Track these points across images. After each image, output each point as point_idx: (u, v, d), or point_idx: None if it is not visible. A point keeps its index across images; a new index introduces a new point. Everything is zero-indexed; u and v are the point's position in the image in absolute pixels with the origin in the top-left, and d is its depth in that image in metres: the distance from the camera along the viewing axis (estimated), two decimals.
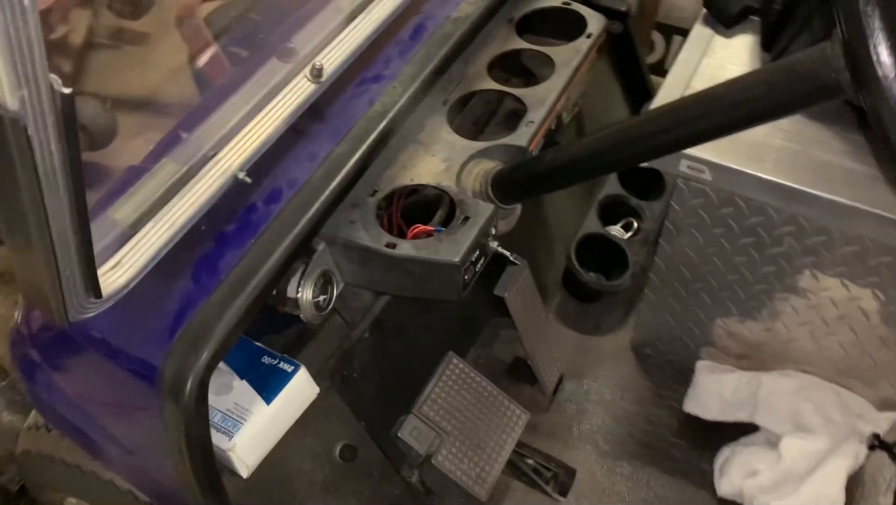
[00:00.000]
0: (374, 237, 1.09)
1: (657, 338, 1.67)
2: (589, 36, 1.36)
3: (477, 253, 1.10)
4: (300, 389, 1.08)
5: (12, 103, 0.56)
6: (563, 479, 1.55)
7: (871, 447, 1.26)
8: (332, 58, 1.14)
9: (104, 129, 2.41)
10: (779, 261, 1.35)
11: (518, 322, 1.51)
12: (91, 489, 1.30)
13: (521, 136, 1.21)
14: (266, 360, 1.10)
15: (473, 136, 1.27)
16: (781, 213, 1.28)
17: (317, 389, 1.11)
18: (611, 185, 1.84)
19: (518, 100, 1.28)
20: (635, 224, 1.84)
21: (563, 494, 1.53)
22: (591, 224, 1.79)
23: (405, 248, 1.07)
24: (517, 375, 1.66)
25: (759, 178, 1.22)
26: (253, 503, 1.15)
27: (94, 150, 2.41)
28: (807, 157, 1.24)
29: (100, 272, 0.91)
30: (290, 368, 1.08)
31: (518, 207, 1.27)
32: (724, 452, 1.51)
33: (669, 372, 1.69)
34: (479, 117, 1.37)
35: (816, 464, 1.36)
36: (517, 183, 1.14)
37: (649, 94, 1.92)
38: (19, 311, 1.19)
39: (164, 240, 0.96)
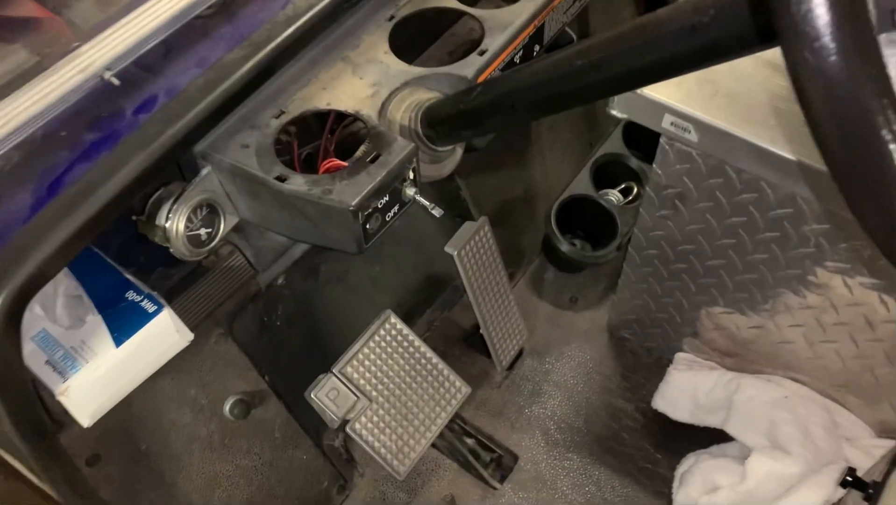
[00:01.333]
0: (265, 166, 0.91)
1: (636, 321, 1.47)
2: None
3: (386, 199, 0.92)
4: (162, 332, 0.93)
5: None
6: (504, 464, 1.38)
7: (843, 484, 1.06)
8: None
9: None
10: (772, 248, 1.14)
11: (469, 285, 1.33)
12: None
13: (469, 66, 1.01)
14: (131, 295, 0.95)
15: (419, 61, 1.08)
16: (779, 191, 1.06)
17: (189, 336, 0.95)
18: (612, 143, 1.63)
19: (479, 22, 1.08)
20: (635, 189, 1.63)
21: (501, 480, 1.37)
22: (581, 185, 1.58)
23: (296, 182, 0.89)
24: (473, 343, 1.49)
25: (755, 146, 1.00)
26: (112, 454, 1.01)
27: None
28: None
29: None
30: (152, 308, 0.93)
31: (457, 152, 1.08)
32: (689, 460, 1.32)
33: (645, 361, 1.49)
34: (428, 40, 1.17)
35: (784, 491, 1.16)
36: (444, 120, 0.95)
37: None
38: None
39: None
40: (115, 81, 0.87)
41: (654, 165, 1.17)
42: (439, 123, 0.96)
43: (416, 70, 1.02)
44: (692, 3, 0.62)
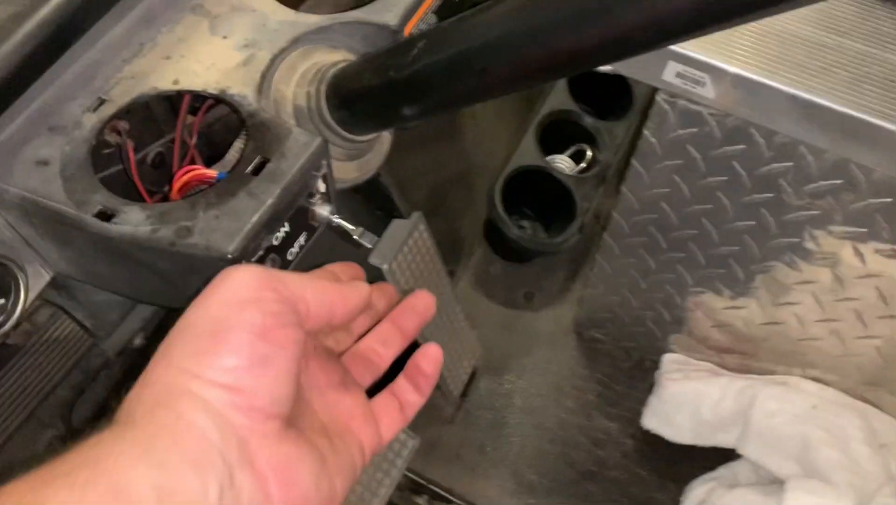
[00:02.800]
0: (77, 195, 0.55)
1: (611, 318, 1.18)
2: None
3: (286, 230, 0.58)
4: None
5: None
6: None
7: None
8: None
9: None
10: (806, 230, 0.86)
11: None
12: None
13: (389, 8, 0.67)
14: None
15: (309, 6, 0.73)
16: (824, 158, 0.78)
17: None
18: (557, 97, 1.32)
19: None
20: (588, 153, 1.33)
21: None
22: (527, 152, 1.27)
23: (132, 219, 0.54)
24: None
25: (801, 100, 0.72)
26: None
27: None
28: (881, 63, 0.73)
29: None
30: None
31: (384, 138, 0.75)
32: (696, 491, 1.06)
33: (624, 365, 1.22)
34: None
35: None
36: (365, 94, 0.61)
37: None
38: None
39: None
40: None
41: (645, 130, 0.86)
42: (357, 100, 0.62)
43: (310, 19, 0.67)
44: None
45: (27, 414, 0.72)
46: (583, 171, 1.31)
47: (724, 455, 1.10)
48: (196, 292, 0.54)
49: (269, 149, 0.57)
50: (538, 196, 1.29)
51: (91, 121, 0.59)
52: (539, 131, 1.29)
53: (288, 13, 0.67)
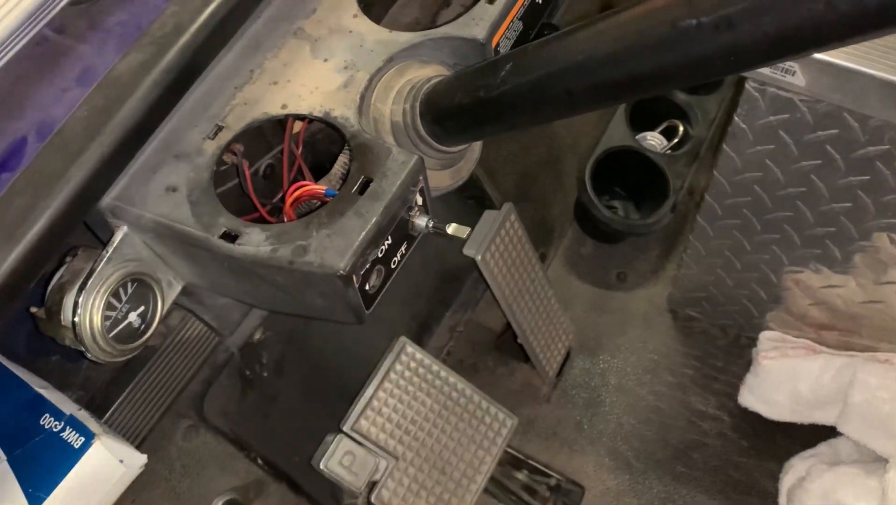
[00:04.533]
0: (204, 219, 0.62)
1: (706, 296, 1.19)
2: None
3: (388, 242, 0.63)
4: (99, 470, 0.65)
5: None
6: (567, 500, 1.13)
7: None
8: None
9: None
10: None
11: (499, 289, 1.05)
12: None
13: (476, 21, 0.70)
14: (48, 421, 0.67)
15: (403, 24, 0.76)
16: None
17: (140, 459, 0.68)
18: None
19: None
20: (680, 129, 1.32)
21: None
22: (617, 132, 1.27)
23: (254, 240, 0.60)
24: (508, 348, 1.21)
25: (893, 84, 0.70)
26: None
27: None
28: None
29: None
30: (78, 441, 0.65)
31: (475, 146, 0.78)
32: (797, 468, 1.07)
33: (720, 343, 1.22)
34: None
35: None
36: (456, 112, 0.65)
37: None
38: None
39: None
40: None
41: (735, 116, 0.86)
42: (449, 117, 0.66)
43: (402, 37, 0.71)
44: None
45: (167, 406, 0.81)
46: (675, 147, 1.31)
47: (824, 432, 1.09)
48: (311, 302, 0.60)
49: (372, 168, 0.62)
50: (629, 175, 1.29)
51: (211, 147, 0.65)
52: (629, 109, 1.29)
53: (381, 32, 0.71)
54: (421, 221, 0.65)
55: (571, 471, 1.14)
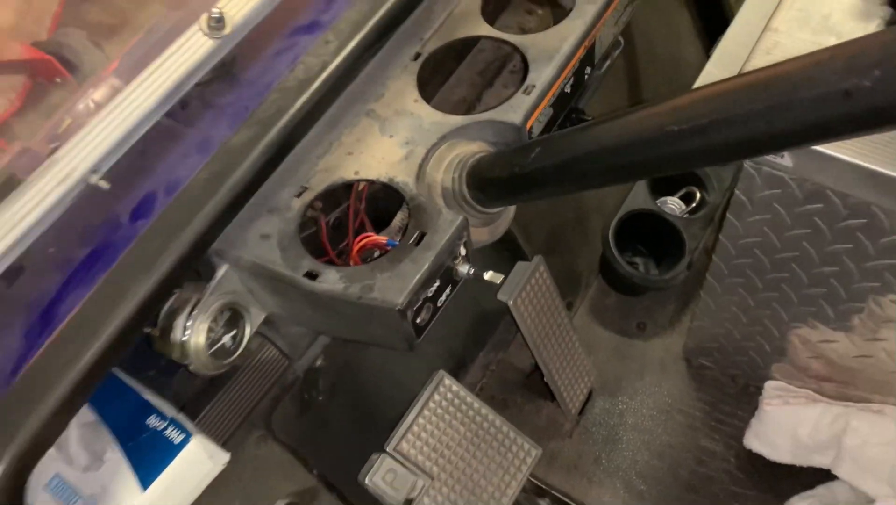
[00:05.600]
0: (290, 261, 0.77)
1: (718, 348, 1.31)
2: None
3: (437, 285, 0.77)
4: (193, 463, 0.80)
5: None
6: None
7: None
8: (240, 1, 0.81)
9: (93, 66, 2.11)
10: (884, 276, 0.97)
11: (528, 333, 1.19)
12: None
13: (515, 109, 0.85)
14: (153, 421, 0.82)
15: (455, 108, 0.92)
16: (895, 216, 0.89)
17: (224, 458, 0.83)
18: None
19: (519, 51, 0.92)
20: (697, 195, 1.46)
21: None
22: (639, 196, 1.42)
23: (330, 280, 0.75)
24: (535, 387, 1.34)
25: (868, 170, 0.84)
26: None
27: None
28: None
29: None
30: (179, 437, 0.80)
31: (510, 209, 0.93)
32: None
33: (731, 391, 1.34)
34: (465, 78, 1.01)
35: None
36: (495, 182, 0.80)
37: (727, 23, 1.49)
38: None
39: None
40: (105, 185, 0.73)
41: (736, 190, 1.00)
42: (490, 185, 0.81)
43: (453, 120, 0.86)
44: (841, 62, 0.46)
45: (243, 418, 0.95)
46: (692, 211, 1.44)
47: (823, 475, 1.19)
48: (373, 331, 0.75)
49: (426, 225, 0.77)
50: (650, 234, 1.43)
51: (297, 204, 0.81)
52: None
53: (437, 115, 0.87)
54: (463, 269, 0.79)
55: (590, 501, 1.25)
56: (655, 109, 0.61)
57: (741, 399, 1.31)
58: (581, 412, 1.33)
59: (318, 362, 1.04)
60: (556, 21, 0.94)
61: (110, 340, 0.67)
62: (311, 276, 0.76)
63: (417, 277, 0.74)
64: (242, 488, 0.96)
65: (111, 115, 0.74)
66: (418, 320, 0.77)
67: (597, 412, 1.34)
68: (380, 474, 1.10)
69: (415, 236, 0.77)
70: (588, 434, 1.31)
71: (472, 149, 0.86)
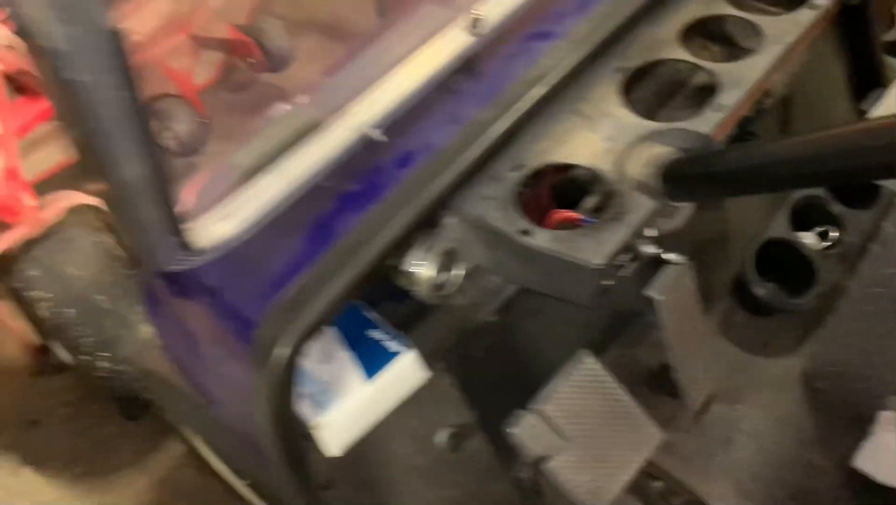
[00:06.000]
0: (508, 220, 0.95)
1: (837, 373, 1.41)
2: (814, 7, 1.12)
3: (627, 257, 0.93)
4: (407, 372, 0.99)
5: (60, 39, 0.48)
6: None
7: None
8: (496, 8, 1.00)
9: (282, 53, 2.40)
10: None
11: (668, 331, 1.32)
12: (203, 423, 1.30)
13: (706, 122, 1.01)
14: (375, 334, 1.01)
15: (649, 115, 1.08)
16: None
17: (426, 375, 1.01)
18: None
19: (712, 76, 1.07)
20: (834, 234, 1.57)
21: None
22: (779, 227, 1.54)
23: (541, 238, 0.93)
24: (660, 384, 1.48)
25: None
26: (343, 480, 1.08)
27: (272, 71, 2.40)
28: None
29: (208, 222, 0.85)
30: (399, 348, 0.99)
31: (686, 207, 1.08)
32: None
33: (843, 415, 1.43)
34: (660, 92, 1.17)
35: None
36: (691, 179, 0.96)
37: (880, 80, 1.60)
38: None
39: (281, 193, 0.88)
40: (383, 138, 0.93)
41: (884, 222, 1.12)
42: (681, 181, 0.97)
43: (650, 124, 1.03)
44: None
45: (432, 350, 1.13)
46: (828, 248, 1.55)
47: None
48: (566, 286, 0.92)
49: (622, 207, 0.93)
50: (783, 261, 1.54)
51: (513, 177, 0.99)
52: (792, 210, 1.55)
53: (636, 119, 1.03)
54: (647, 248, 0.95)
55: (702, 492, 1.38)
56: (848, 129, 0.76)
57: (853, 425, 1.40)
58: (701, 413, 1.45)
59: (491, 318, 1.21)
60: (728, 59, 1.10)
61: (377, 254, 0.86)
62: (525, 233, 0.93)
63: (615, 243, 0.90)
64: (420, 410, 1.14)
65: (393, 83, 0.94)
66: (605, 282, 0.93)
67: (715, 415, 1.45)
68: (525, 428, 1.25)
69: (612, 214, 0.93)
70: (705, 432, 1.44)
71: (664, 150, 1.02)
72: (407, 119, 0.96)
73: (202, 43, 2.27)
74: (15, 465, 1.80)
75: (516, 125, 0.95)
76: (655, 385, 1.51)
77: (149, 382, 1.48)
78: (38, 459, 1.81)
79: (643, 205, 0.93)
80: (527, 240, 0.93)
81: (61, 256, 1.58)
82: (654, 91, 1.16)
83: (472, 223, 0.97)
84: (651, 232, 0.95)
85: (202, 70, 2.30)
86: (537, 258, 0.93)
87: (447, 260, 0.99)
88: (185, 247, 0.79)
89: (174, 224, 0.75)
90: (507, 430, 1.25)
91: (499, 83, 0.99)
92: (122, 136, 0.58)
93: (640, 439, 1.33)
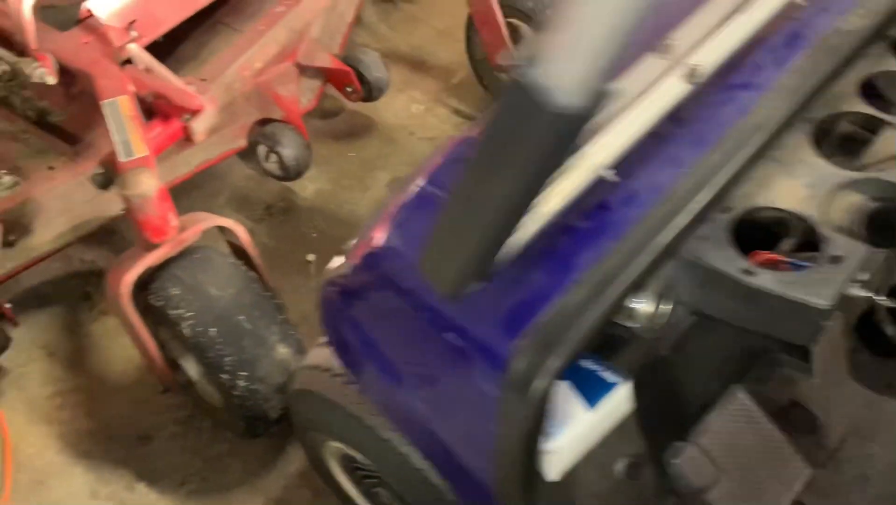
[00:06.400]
0: (726, 259, 1.00)
1: None
2: None
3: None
4: (622, 401, 1.03)
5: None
6: None
7: None
8: (708, 58, 1.06)
9: (380, 84, 2.45)
10: None
11: (818, 372, 1.37)
12: (364, 442, 1.33)
13: None
14: (587, 364, 1.05)
15: (840, 164, 1.14)
16: None
17: (633, 405, 1.05)
18: None
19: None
20: None
21: None
22: None
23: (765, 278, 0.98)
24: (790, 421, 1.52)
25: None
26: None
27: (366, 100, 2.43)
28: None
29: None
30: (615, 379, 1.03)
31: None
32: None
33: None
34: (847, 142, 1.23)
35: None
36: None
37: None
38: (341, 260, 1.22)
39: (531, 230, 0.93)
40: (616, 178, 0.98)
41: None
42: (886, 229, 1.03)
43: (846, 173, 1.09)
44: None
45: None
46: None
47: None
48: (784, 323, 0.97)
49: (836, 249, 0.98)
50: None
51: (723, 218, 1.04)
52: None
53: (833, 169, 1.09)
54: (861, 292, 1.00)
55: None
56: None
57: None
58: (835, 451, 1.49)
59: (664, 351, 1.26)
60: None
61: (621, 292, 0.91)
62: (748, 272, 0.98)
63: (838, 284, 0.95)
64: (606, 437, 1.18)
65: (621, 128, 0.99)
66: (825, 322, 0.98)
67: (847, 452, 1.50)
68: (687, 458, 1.29)
69: (828, 257, 0.99)
70: (840, 468, 1.48)
71: (859, 199, 1.07)
72: (631, 161, 1.01)
73: (304, 71, 2.33)
74: (130, 479, 1.82)
75: (742, 169, 1.00)
76: (785, 422, 1.55)
77: (293, 401, 1.51)
78: (151, 474, 1.83)
79: (855, 248, 0.99)
80: (750, 280, 0.98)
81: (202, 276, 1.62)
82: (839, 142, 1.22)
83: (687, 263, 1.02)
84: (863, 276, 1.00)
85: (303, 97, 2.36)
86: (760, 298, 0.98)
87: (660, 296, 1.04)
88: (487, 279, 0.84)
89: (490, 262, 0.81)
90: (670, 460, 1.29)
91: (709, 128, 1.05)
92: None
93: (790, 474, 1.37)
